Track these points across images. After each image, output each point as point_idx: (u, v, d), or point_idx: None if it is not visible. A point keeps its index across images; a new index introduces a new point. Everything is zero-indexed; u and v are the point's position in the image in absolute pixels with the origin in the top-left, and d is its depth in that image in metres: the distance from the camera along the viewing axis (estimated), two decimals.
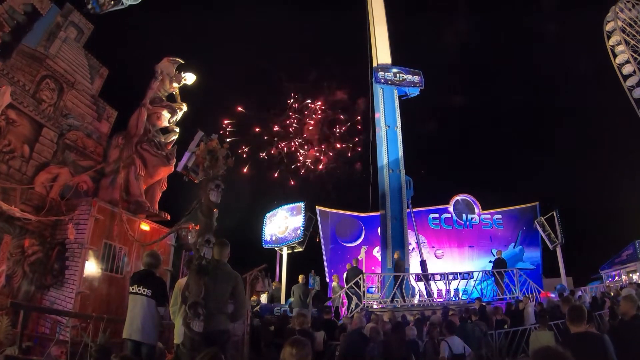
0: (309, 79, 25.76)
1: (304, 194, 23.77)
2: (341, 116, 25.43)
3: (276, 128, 25.55)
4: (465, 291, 14.93)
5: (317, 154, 25.17)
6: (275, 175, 24.47)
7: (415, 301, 14.79)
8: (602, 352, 3.70)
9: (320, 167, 24.83)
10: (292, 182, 24.34)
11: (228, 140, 23.34)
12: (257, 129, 25.24)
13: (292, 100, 25.31)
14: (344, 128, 25.31)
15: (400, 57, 20.44)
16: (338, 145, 25.33)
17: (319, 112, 25.28)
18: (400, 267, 14.97)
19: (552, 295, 14.93)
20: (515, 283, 14.17)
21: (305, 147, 25.29)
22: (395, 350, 7.15)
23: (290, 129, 25.33)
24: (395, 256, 15.37)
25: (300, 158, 25.06)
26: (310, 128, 25.25)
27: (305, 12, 30.70)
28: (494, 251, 17.33)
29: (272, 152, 24.95)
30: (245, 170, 24.26)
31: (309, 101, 25.41)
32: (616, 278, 22.46)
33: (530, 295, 13.43)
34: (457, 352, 6.63)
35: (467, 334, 8.29)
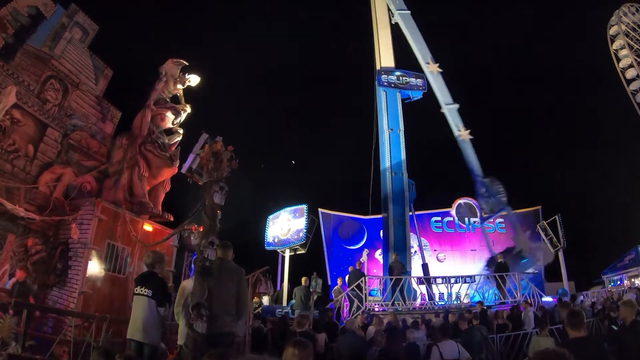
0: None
1: (306, 195, 23.73)
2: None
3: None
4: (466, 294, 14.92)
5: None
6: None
7: (417, 304, 14.78)
8: (601, 358, 3.70)
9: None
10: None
11: None
12: None
13: None
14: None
15: (403, 60, 20.48)
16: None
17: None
18: (394, 269, 14.74)
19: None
20: (517, 287, 14.15)
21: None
22: (394, 354, 7.09)
23: None
24: (393, 257, 15.29)
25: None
26: None
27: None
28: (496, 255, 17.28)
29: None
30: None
31: None
32: (618, 283, 22.38)
33: (531, 300, 13.41)
34: (449, 358, 6.43)
35: (471, 339, 8.16)
